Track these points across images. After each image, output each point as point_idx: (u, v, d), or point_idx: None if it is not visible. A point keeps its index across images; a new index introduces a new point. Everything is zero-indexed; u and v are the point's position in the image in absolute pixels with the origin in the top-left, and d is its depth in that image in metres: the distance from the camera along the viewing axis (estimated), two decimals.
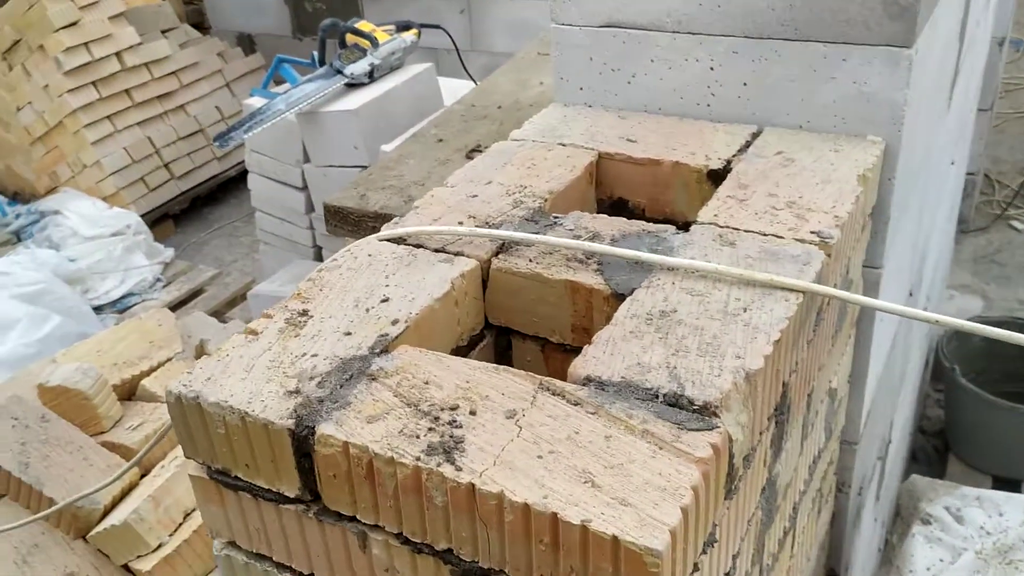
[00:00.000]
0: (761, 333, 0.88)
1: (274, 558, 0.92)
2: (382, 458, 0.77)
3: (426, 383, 0.85)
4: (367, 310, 0.95)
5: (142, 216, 4.79)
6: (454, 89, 3.75)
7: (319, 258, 3.81)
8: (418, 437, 0.78)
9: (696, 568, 0.77)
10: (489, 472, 0.74)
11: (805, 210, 1.09)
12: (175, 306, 4.24)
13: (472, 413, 0.81)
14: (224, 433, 0.85)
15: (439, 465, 0.75)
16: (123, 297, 4.27)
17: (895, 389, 1.99)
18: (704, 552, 0.78)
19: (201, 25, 6.22)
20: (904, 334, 1.97)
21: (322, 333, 0.93)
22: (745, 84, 1.30)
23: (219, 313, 4.24)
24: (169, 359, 2.28)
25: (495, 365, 0.87)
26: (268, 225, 4.03)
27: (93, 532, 1.83)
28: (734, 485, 0.84)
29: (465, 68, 4.44)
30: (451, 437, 0.78)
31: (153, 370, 2.24)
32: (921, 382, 3.12)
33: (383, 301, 0.97)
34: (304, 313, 0.96)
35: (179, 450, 2.01)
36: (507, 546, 0.74)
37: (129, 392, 2.22)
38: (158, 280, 4.45)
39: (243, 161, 4.74)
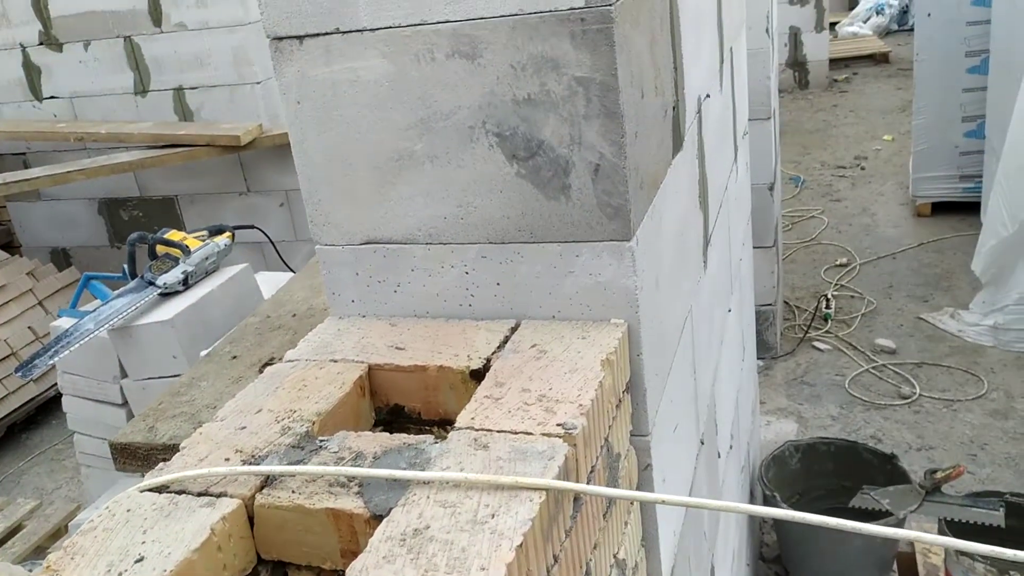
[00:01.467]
0: (505, 539, 0.93)
1: None
2: None
3: None
4: (120, 575, 0.94)
5: None
6: (277, 283, 3.78)
7: None
8: None
9: None
10: None
11: (554, 402, 1.18)
12: None
13: None
14: None
15: None
16: None
17: (708, 533, 2.08)
18: None
19: (10, 245, 6.04)
20: (706, 480, 2.08)
21: None
22: (498, 284, 1.42)
23: (42, 548, 3.92)
24: None
25: None
26: (89, 447, 3.84)
27: None
28: None
29: (284, 262, 4.51)
30: None
31: None
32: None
33: (137, 561, 0.96)
34: None
35: None
36: None
37: None
38: None
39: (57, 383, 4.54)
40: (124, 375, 3.54)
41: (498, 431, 1.13)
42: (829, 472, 3.29)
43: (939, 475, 2.93)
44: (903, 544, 3.24)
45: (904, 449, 3.93)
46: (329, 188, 1.46)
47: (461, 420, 1.16)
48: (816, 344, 5.02)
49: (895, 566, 3.21)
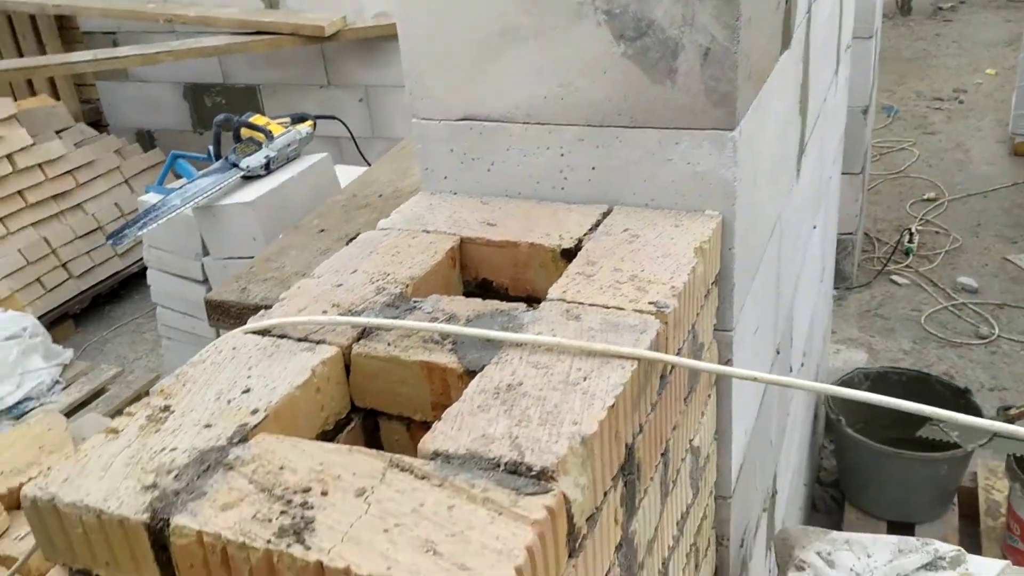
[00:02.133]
0: (597, 400, 0.95)
1: None
2: (234, 544, 0.80)
3: (281, 468, 0.88)
4: (228, 402, 0.99)
5: (39, 317, 4.66)
6: (353, 176, 3.83)
7: None
8: (270, 521, 0.82)
9: None
10: (337, 549, 0.78)
11: (646, 282, 1.18)
12: (75, 408, 4.12)
13: (324, 494, 0.85)
14: (82, 532, 0.87)
15: (289, 546, 0.79)
16: (19, 402, 4.12)
17: (773, 443, 2.09)
18: None
19: (98, 123, 6.20)
20: (778, 390, 2.08)
21: (182, 427, 0.96)
22: (593, 168, 1.41)
23: (121, 412, 4.14)
24: None
25: (348, 446, 0.91)
26: (170, 320, 4.00)
27: None
28: (577, 544, 0.89)
29: (363, 155, 4.54)
30: (302, 519, 0.82)
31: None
32: (813, 434, 3.25)
33: (244, 392, 1.00)
34: (166, 409, 0.99)
35: None
36: None
37: (16, 501, 2.16)
38: (57, 383, 4.31)
39: (143, 257, 4.70)
40: (206, 253, 3.64)
41: (590, 304, 1.14)
42: None
43: (1012, 411, 2.88)
44: (966, 479, 3.21)
45: (977, 387, 3.85)
46: (431, 61, 1.45)
47: (552, 292, 1.17)
48: (894, 278, 4.90)
49: (956, 501, 3.20)
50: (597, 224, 1.36)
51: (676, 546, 1.33)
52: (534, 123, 1.41)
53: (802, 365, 2.58)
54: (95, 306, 5.40)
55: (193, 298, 3.77)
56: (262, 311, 1.20)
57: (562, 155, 1.42)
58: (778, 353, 2.01)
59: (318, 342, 1.10)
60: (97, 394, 4.33)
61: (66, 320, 5.16)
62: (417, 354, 1.07)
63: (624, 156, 1.38)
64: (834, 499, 3.35)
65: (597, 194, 1.42)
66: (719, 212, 1.35)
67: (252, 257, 3.53)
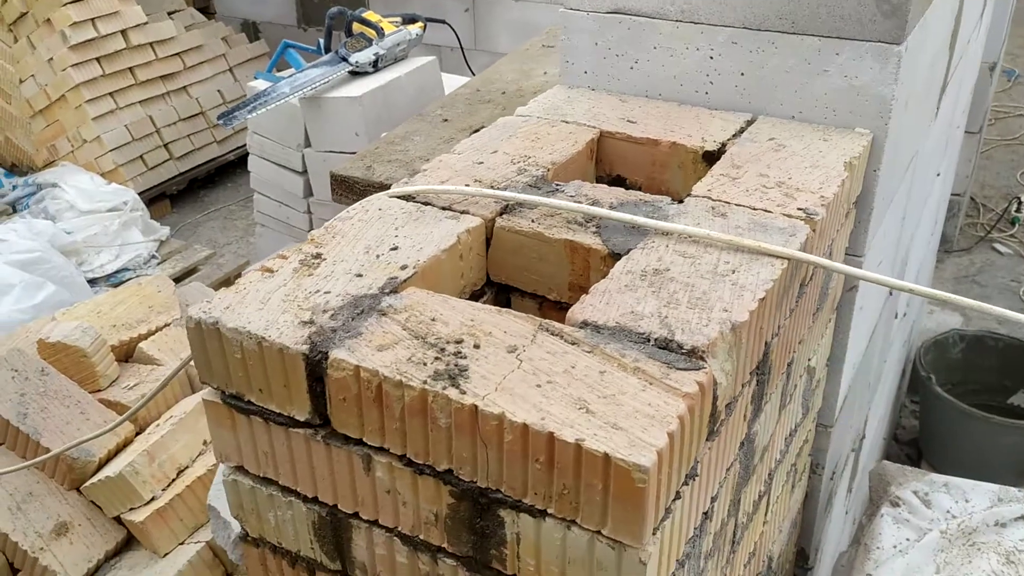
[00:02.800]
0: (747, 292, 0.94)
1: (280, 481, 0.98)
2: (391, 381, 0.83)
3: (433, 320, 0.91)
4: (377, 256, 1.01)
5: (139, 194, 4.82)
6: (455, 85, 3.81)
7: None
8: (425, 365, 0.84)
9: (678, 496, 0.83)
10: (491, 396, 0.80)
11: (793, 190, 1.16)
12: None
13: (476, 347, 0.86)
14: (240, 358, 0.91)
15: (444, 388, 0.81)
16: (117, 272, 4.30)
17: (871, 385, 2.06)
18: (686, 483, 0.84)
19: (207, 10, 6.27)
20: (883, 332, 2.04)
21: (334, 274, 0.98)
22: (742, 74, 1.37)
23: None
24: (167, 324, 2.33)
25: (498, 308, 0.93)
26: (266, 208, 4.08)
27: (87, 483, 1.87)
28: (716, 428, 0.90)
29: (468, 64, 4.51)
30: (456, 366, 0.84)
31: (151, 334, 2.29)
32: (897, 391, 3.20)
33: (392, 249, 1.02)
34: (317, 256, 1.02)
35: (175, 409, 2.06)
36: (505, 466, 0.80)
37: (126, 354, 2.27)
38: (153, 257, 4.48)
39: (241, 146, 4.77)
40: (307, 144, 3.68)
41: (736, 204, 1.12)
42: (991, 368, 3.17)
43: None
44: None
45: None
46: None
47: (697, 190, 1.16)
48: (996, 246, 4.72)
49: None
50: (741, 131, 1.33)
51: (782, 461, 1.33)
52: (687, 21, 1.38)
53: (904, 314, 2.52)
54: (191, 189, 5.54)
55: (290, 188, 3.84)
56: (404, 179, 1.21)
57: (711, 58, 1.38)
58: (890, 294, 1.96)
59: (462, 212, 1.11)
60: (189, 272, 4.48)
61: (163, 199, 5.31)
62: (561, 233, 1.08)
63: (777, 64, 1.34)
64: (909, 457, 3.30)
65: (741, 102, 1.39)
66: (870, 131, 1.31)
67: (353, 152, 3.57)
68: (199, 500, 1.88)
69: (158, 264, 4.49)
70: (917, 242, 2.33)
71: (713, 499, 0.97)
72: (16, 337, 2.22)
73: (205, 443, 1.99)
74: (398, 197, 1.15)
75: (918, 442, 3.30)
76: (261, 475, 0.99)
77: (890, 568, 1.45)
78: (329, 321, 0.90)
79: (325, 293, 0.95)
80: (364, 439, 0.88)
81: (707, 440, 0.88)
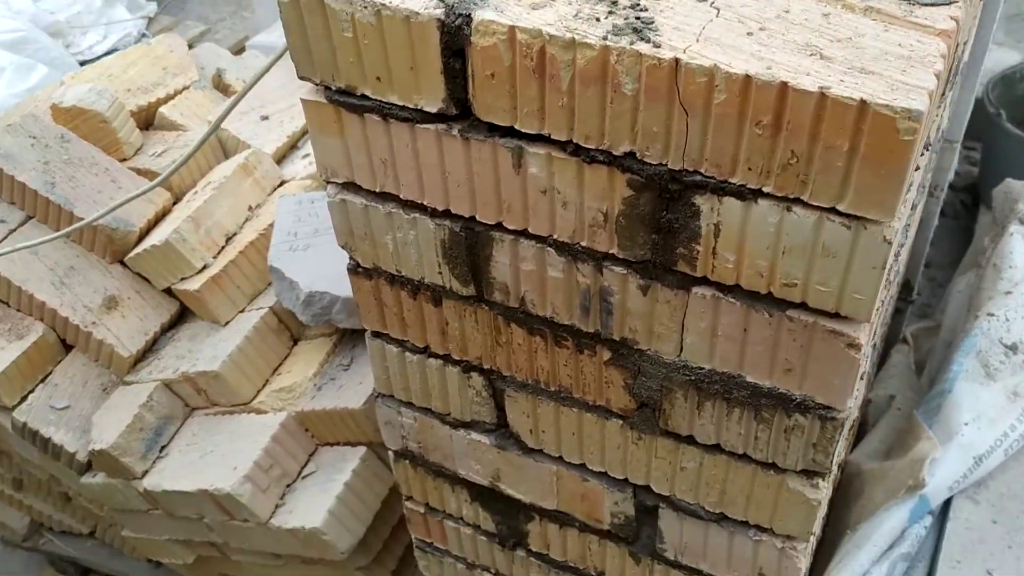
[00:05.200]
0: None
1: (402, 195, 0.83)
2: (559, 42, 0.65)
3: None
4: None
5: None
6: None
7: None
8: (598, 20, 0.66)
9: (916, 168, 0.68)
10: (694, 48, 0.63)
11: None
12: None
13: None
14: (352, 37, 0.73)
15: (632, 44, 0.64)
16: (108, 53, 3.99)
17: None
18: (922, 153, 0.69)
19: None
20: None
21: None
22: None
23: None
24: (186, 87, 2.11)
25: None
26: None
27: (132, 254, 1.74)
28: (944, 90, 0.74)
29: None
30: (638, 19, 0.66)
31: (170, 98, 2.08)
32: None
33: None
34: None
35: (212, 175, 1.90)
36: (711, 137, 0.65)
37: (147, 121, 2.07)
38: (143, 35, 4.16)
39: None
40: None
41: None
42: None
43: None
44: None
45: None
46: None
47: None
48: None
49: None
50: None
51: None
52: None
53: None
54: None
55: None
56: None
57: None
58: None
59: None
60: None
61: None
62: None
63: None
64: (963, 204, 3.19)
65: None
66: None
67: None
68: (254, 266, 1.76)
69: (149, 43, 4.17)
70: None
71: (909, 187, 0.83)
72: (24, 106, 2.02)
73: (250, 208, 1.84)
74: None
75: (975, 187, 3.17)
76: (378, 190, 0.84)
77: None
78: None
79: None
80: (516, 126, 0.72)
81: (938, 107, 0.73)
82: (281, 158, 2.01)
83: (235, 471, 1.51)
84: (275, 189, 1.92)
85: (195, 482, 1.54)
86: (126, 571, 2.24)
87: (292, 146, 2.06)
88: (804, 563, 0.91)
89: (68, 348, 1.80)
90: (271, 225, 1.77)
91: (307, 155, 2.01)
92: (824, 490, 0.83)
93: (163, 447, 1.67)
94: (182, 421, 1.71)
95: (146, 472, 1.64)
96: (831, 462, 0.80)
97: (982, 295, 1.31)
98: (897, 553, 1.01)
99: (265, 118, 2.07)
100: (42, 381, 1.75)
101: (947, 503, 1.08)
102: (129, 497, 1.70)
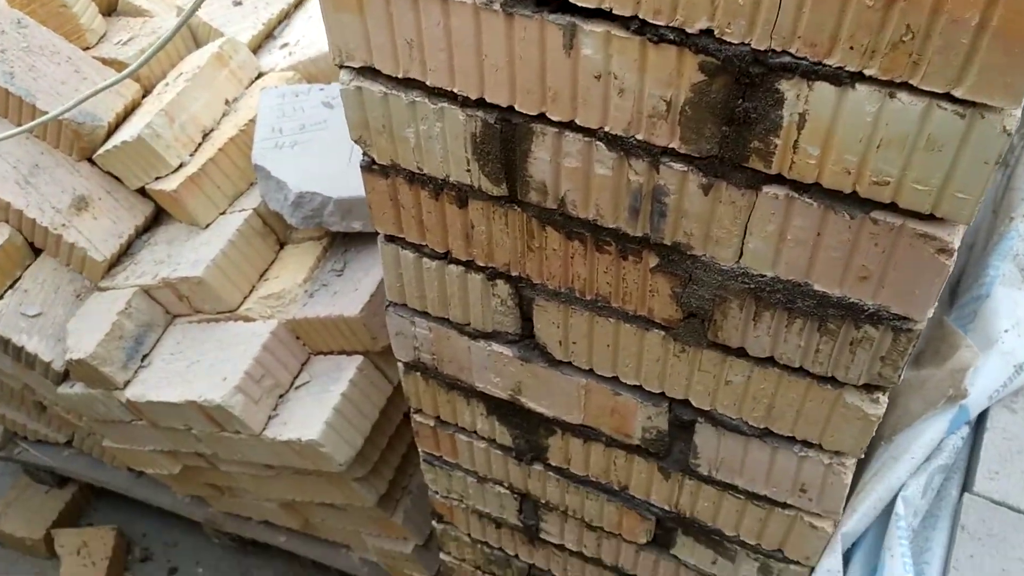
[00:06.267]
0: None
1: (428, 82, 0.73)
2: None
3: None
4: None
5: None
6: None
7: None
8: None
9: None
10: None
11: None
12: None
13: None
14: None
15: None
16: None
17: None
18: None
19: None
20: None
21: None
22: None
23: None
24: None
25: None
26: None
27: (101, 151, 1.62)
28: None
29: None
30: None
31: None
32: None
33: None
34: None
35: (183, 66, 1.75)
36: (809, 8, 0.55)
37: (109, 7, 1.91)
38: None
39: None
40: None
41: None
42: None
43: None
44: None
45: None
46: None
47: None
48: None
49: None
50: None
51: None
52: None
53: None
54: None
55: None
56: None
57: None
58: None
59: None
60: None
61: None
62: None
63: None
64: None
65: None
66: None
67: None
68: (235, 165, 1.64)
69: None
70: None
71: None
72: None
73: (227, 102, 1.71)
74: None
75: None
76: (400, 75, 0.74)
77: None
78: None
79: None
80: None
81: None
82: (257, 47, 1.87)
83: (225, 381, 1.44)
84: (253, 82, 1.78)
85: (183, 393, 1.46)
86: (106, 480, 2.19)
87: (268, 35, 1.91)
88: (850, 478, 0.87)
89: (37, 252, 1.69)
90: (252, 120, 1.64)
91: (285, 44, 1.86)
92: (884, 406, 0.78)
93: (145, 356, 1.58)
94: (163, 329, 1.62)
95: (128, 382, 1.56)
96: (899, 376, 0.74)
97: (1014, 195, 1.25)
98: (935, 465, 0.98)
99: (239, 3, 1.91)
100: (11, 287, 1.64)
101: (983, 413, 1.04)
102: (111, 408, 1.63)
